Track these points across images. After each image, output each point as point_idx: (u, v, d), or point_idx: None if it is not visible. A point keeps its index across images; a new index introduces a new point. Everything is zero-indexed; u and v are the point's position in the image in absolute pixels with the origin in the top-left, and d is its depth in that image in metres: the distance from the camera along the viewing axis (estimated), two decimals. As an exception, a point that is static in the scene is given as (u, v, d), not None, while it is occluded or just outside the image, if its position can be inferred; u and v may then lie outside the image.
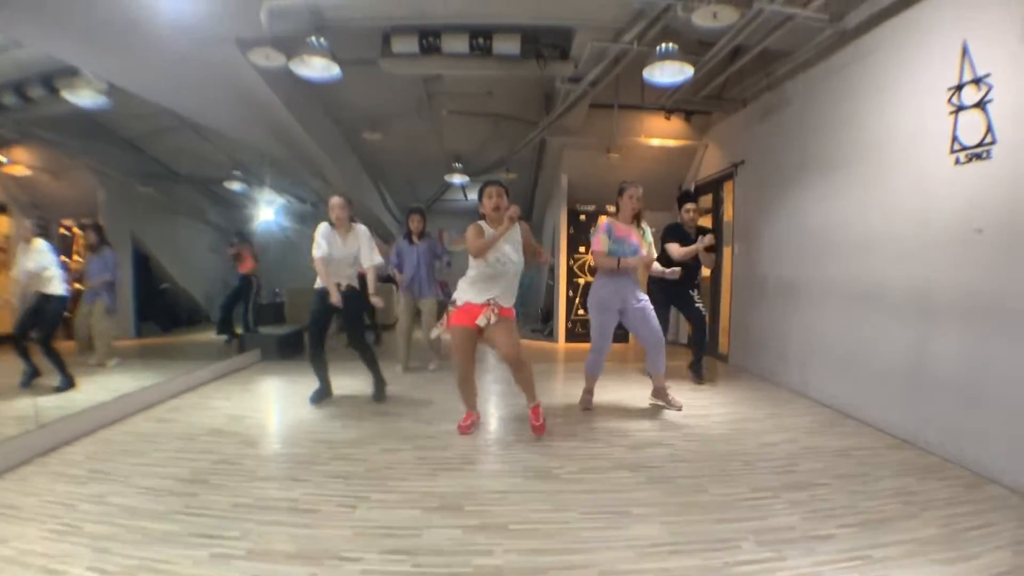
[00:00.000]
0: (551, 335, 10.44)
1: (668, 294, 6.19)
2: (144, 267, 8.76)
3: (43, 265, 5.27)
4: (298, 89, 7.62)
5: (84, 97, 5.69)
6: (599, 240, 5.05)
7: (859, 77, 5.25)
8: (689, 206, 6.41)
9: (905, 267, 4.62)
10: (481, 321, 4.18)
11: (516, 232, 4.30)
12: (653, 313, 5.19)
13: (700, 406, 5.44)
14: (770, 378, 6.67)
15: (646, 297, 5.20)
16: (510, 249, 4.24)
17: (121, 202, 7.52)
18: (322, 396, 5.55)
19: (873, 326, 4.97)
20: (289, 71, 5.85)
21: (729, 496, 3.33)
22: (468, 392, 4.57)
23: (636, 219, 5.15)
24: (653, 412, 5.19)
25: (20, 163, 6.17)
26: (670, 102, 7.95)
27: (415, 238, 6.91)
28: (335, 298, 5.10)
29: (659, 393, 5.36)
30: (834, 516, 3.09)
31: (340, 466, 3.75)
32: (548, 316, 11.13)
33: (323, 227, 5.23)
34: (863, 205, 5.18)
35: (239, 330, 8.72)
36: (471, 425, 4.58)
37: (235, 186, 10.39)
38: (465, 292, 4.32)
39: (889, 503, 3.29)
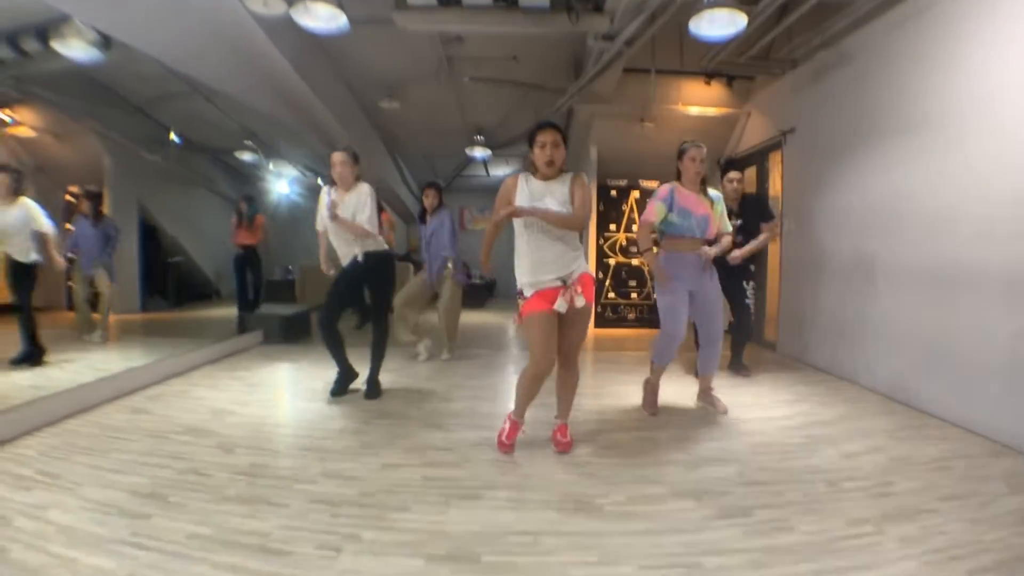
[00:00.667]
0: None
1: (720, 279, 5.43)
2: (152, 239, 8.66)
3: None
4: (305, 47, 7.04)
5: (75, 49, 5.30)
6: (652, 209, 4.23)
7: (933, 27, 4.62)
8: (733, 175, 5.73)
9: (999, 246, 3.94)
10: (560, 306, 3.33)
11: (562, 184, 3.40)
12: (721, 304, 4.49)
13: (760, 406, 4.72)
14: (828, 369, 5.98)
15: (717, 283, 4.49)
16: (553, 202, 3.33)
17: (128, 170, 7.36)
18: (344, 384, 4.85)
19: (960, 314, 4.29)
20: (293, 24, 5.28)
21: (822, 534, 2.57)
22: (531, 394, 3.59)
23: (702, 185, 4.33)
24: (705, 416, 4.43)
25: (24, 124, 6.04)
26: (712, 64, 7.14)
27: (428, 216, 6.29)
28: (325, 267, 4.86)
29: (704, 395, 4.64)
30: (959, 557, 2.37)
31: (328, 487, 3.02)
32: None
33: (324, 192, 4.70)
34: (941, 175, 4.52)
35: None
36: (513, 442, 3.66)
37: (246, 156, 10.12)
38: (526, 276, 3.46)
39: (1019, 534, 2.58)
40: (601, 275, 9.16)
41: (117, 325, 7.14)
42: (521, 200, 3.37)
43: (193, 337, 7.08)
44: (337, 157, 4.60)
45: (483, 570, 2.29)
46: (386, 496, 2.92)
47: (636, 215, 8.97)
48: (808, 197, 6.49)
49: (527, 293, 3.44)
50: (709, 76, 7.98)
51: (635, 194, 9.07)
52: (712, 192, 4.38)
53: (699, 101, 8.33)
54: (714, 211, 4.30)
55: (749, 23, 5.31)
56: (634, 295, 9.17)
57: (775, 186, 7.50)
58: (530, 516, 2.74)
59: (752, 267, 5.87)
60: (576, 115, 8.99)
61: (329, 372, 4.97)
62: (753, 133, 8.06)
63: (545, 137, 3.33)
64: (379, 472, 3.24)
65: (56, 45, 5.14)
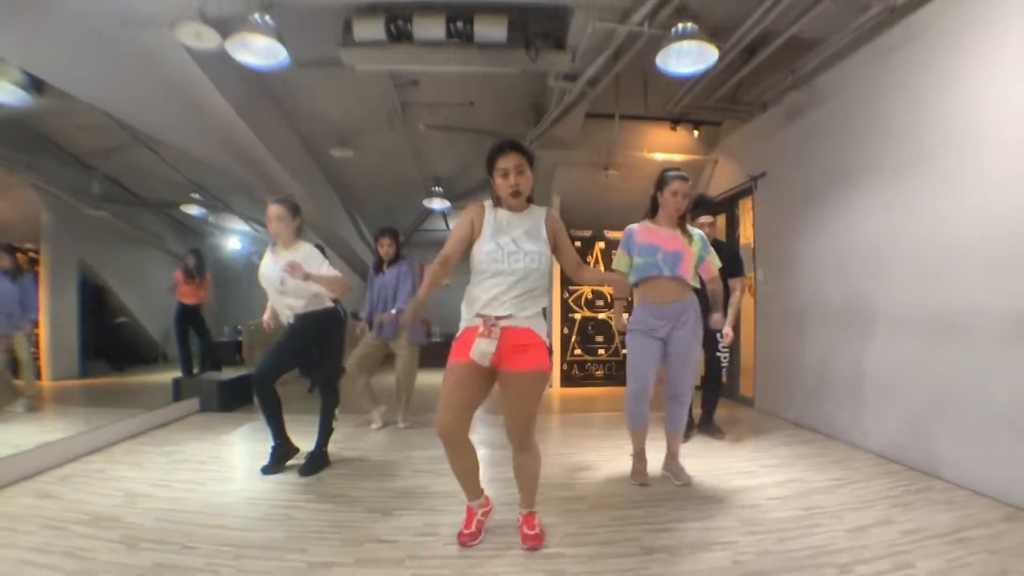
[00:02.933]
0: (544, 379, 9.31)
1: None
2: (97, 299, 8.30)
3: None
4: (251, 92, 6.69)
5: (1, 91, 5.03)
6: (616, 258, 3.95)
7: (913, 61, 4.48)
8: (704, 219, 5.14)
9: (1002, 284, 3.66)
10: (475, 353, 2.73)
11: (536, 217, 2.95)
12: (694, 349, 3.98)
13: (745, 473, 4.26)
14: (813, 427, 5.60)
15: (698, 325, 3.96)
16: (523, 236, 2.86)
17: (68, 226, 7.04)
18: (279, 459, 4.31)
19: (959, 361, 3.99)
20: (234, 64, 4.93)
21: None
22: (456, 468, 2.98)
23: (681, 221, 3.93)
24: (689, 489, 3.93)
25: None
26: (678, 108, 6.99)
27: (384, 266, 5.75)
28: (266, 323, 4.52)
29: (669, 461, 4.15)
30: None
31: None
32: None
33: (268, 250, 4.30)
34: (932, 214, 4.28)
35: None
36: (476, 532, 3.06)
37: (193, 210, 9.76)
38: (464, 310, 2.96)
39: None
40: (566, 331, 8.70)
41: (52, 392, 6.67)
42: (487, 232, 2.87)
43: (131, 405, 6.44)
44: (272, 211, 4.11)
45: None
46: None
47: (602, 266, 8.60)
48: (782, 243, 6.21)
49: (459, 333, 2.95)
50: (675, 121, 7.80)
51: (600, 245, 8.70)
52: (694, 230, 3.98)
53: (665, 148, 8.13)
54: (693, 247, 3.87)
55: (725, 53, 5.20)
56: (601, 351, 8.72)
57: (746, 234, 7.22)
58: None
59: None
60: (538, 162, 8.59)
61: (265, 446, 4.41)
62: (721, 180, 7.82)
63: (507, 162, 2.82)
64: (304, 574, 2.68)
65: None
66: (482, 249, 2.84)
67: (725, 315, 4.58)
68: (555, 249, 2.97)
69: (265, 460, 4.30)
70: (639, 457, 4.11)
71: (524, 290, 2.82)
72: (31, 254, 6.39)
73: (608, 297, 8.31)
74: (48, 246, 6.62)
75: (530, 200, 2.98)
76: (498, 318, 2.77)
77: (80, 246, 7.50)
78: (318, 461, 4.35)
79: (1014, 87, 3.60)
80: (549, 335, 9.21)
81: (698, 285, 3.99)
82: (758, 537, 3.10)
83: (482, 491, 3.10)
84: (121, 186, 7.89)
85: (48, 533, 3.10)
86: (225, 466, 4.52)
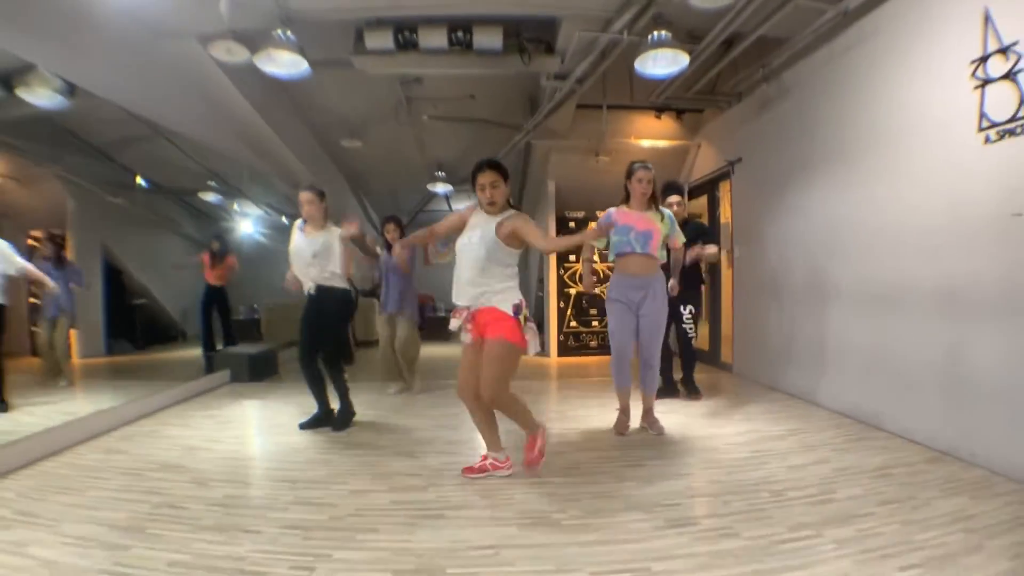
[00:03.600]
0: (542, 349, 9.91)
1: None
2: (116, 281, 8.62)
3: None
4: (268, 90, 7.24)
5: (41, 96, 5.40)
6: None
7: (865, 60, 4.94)
8: (672, 198, 5.67)
9: (933, 262, 4.23)
10: (463, 336, 3.63)
11: (495, 220, 3.55)
12: (661, 322, 4.62)
13: (713, 424, 4.94)
14: (781, 388, 6.23)
15: (664, 299, 4.60)
16: (475, 237, 3.53)
17: (92, 213, 7.34)
18: (318, 422, 4.93)
19: (898, 329, 4.57)
20: (255, 69, 5.42)
21: (764, 539, 2.77)
22: (479, 423, 3.75)
23: (652, 203, 4.56)
24: (662, 438, 4.60)
25: None
26: (661, 99, 7.53)
27: (395, 247, 6.32)
28: (289, 283, 4.85)
29: (645, 415, 4.80)
30: (890, 556, 2.58)
31: (300, 513, 3.16)
32: (539, 329, 10.55)
33: (297, 223, 4.88)
34: (876, 198, 4.83)
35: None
36: (479, 470, 3.76)
37: (210, 197, 10.18)
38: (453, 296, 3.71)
39: (948, 533, 2.80)
40: (562, 304, 9.36)
41: (82, 369, 7.17)
42: (467, 228, 3.64)
43: (160, 379, 7.11)
44: (304, 196, 4.74)
45: (448, 582, 2.45)
46: (355, 519, 3.07)
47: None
48: (756, 223, 6.78)
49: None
50: (659, 110, 8.31)
51: (592, 225, 9.17)
52: (665, 211, 4.62)
53: (651, 134, 8.65)
54: (663, 226, 4.51)
55: (693, 59, 5.65)
56: (595, 323, 9.37)
57: (725, 213, 7.79)
58: (491, 532, 2.92)
59: (693, 291, 5.90)
60: (533, 150, 9.28)
61: (297, 408, 5.09)
62: (704, 163, 8.36)
63: (484, 179, 3.53)
64: (348, 498, 3.38)
65: (22, 93, 5.23)
66: (459, 240, 3.60)
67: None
68: (522, 240, 3.54)
69: (299, 420, 4.98)
70: (623, 412, 4.75)
71: (475, 273, 3.48)
72: (58, 240, 6.52)
73: (600, 274, 8.92)
74: (74, 232, 6.82)
75: (513, 204, 3.68)
76: (465, 307, 3.57)
77: (102, 232, 7.86)
78: (345, 416, 4.97)
79: (937, 92, 4.15)
80: (540, 309, 9.82)
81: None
82: (712, 471, 3.80)
83: (502, 448, 3.79)
84: (140, 176, 8.26)
85: (126, 478, 3.74)
86: (265, 425, 5.21)
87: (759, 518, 3.02)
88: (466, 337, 3.60)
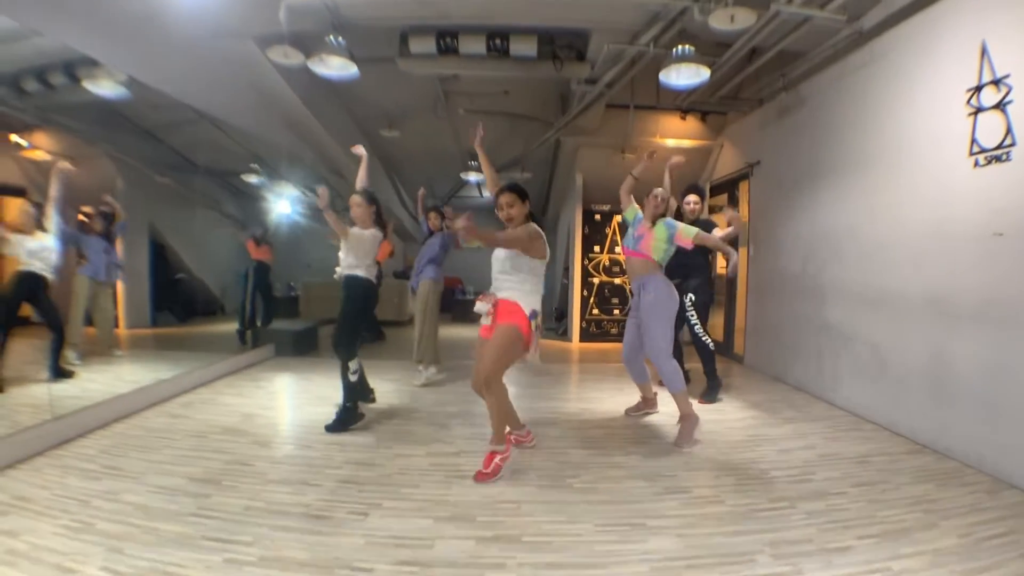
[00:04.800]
0: (565, 334, 10.44)
1: None
2: (160, 256, 8.81)
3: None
4: (316, 86, 7.63)
5: (105, 88, 5.73)
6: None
7: (875, 78, 5.22)
8: (692, 197, 5.80)
9: (922, 272, 4.58)
10: (479, 307, 3.87)
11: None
12: (653, 318, 4.64)
13: (715, 409, 5.41)
14: (786, 380, 6.62)
15: (654, 295, 4.66)
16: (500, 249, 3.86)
17: (139, 191, 7.49)
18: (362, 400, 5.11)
19: (891, 330, 4.94)
20: (307, 68, 5.84)
21: (745, 507, 3.28)
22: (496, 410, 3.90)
23: (653, 221, 4.80)
24: (668, 422, 4.97)
25: (40, 148, 6.12)
26: (686, 103, 7.93)
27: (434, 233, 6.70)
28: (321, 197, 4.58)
29: (643, 402, 5.26)
30: (852, 527, 3.05)
31: (352, 471, 3.73)
32: (562, 315, 11.12)
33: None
34: (874, 209, 5.19)
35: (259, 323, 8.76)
36: (524, 438, 4.30)
37: (252, 179, 10.30)
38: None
39: (909, 512, 3.24)
40: (585, 292, 9.78)
41: (129, 339, 7.51)
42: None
43: (204, 351, 7.51)
44: (354, 200, 4.85)
45: (478, 527, 3.01)
46: (400, 476, 3.67)
47: (619, 238, 9.58)
48: (770, 224, 7.13)
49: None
50: (684, 112, 8.63)
51: (617, 218, 9.61)
52: (668, 220, 4.78)
53: (676, 134, 8.95)
54: (654, 233, 4.69)
55: (715, 70, 6.00)
56: (616, 311, 9.80)
57: (743, 213, 8.05)
58: (514, 490, 3.51)
59: (693, 286, 5.76)
60: (563, 146, 9.69)
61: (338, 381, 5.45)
62: (726, 163, 8.68)
63: (502, 200, 3.86)
64: (392, 460, 3.96)
65: (88, 85, 5.59)
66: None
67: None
68: (538, 248, 3.83)
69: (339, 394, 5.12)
70: (643, 400, 5.20)
71: (498, 273, 3.84)
72: (108, 216, 6.67)
73: (623, 264, 9.29)
74: (123, 209, 6.85)
75: (535, 217, 3.98)
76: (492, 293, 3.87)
77: (149, 209, 7.99)
78: (347, 414, 4.72)
79: (936, 115, 4.47)
80: (565, 297, 10.21)
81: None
82: (709, 451, 4.31)
83: (522, 424, 4.30)
84: (183, 157, 8.50)
85: (193, 440, 4.28)
86: (313, 396, 5.70)
87: (744, 491, 3.53)
88: (487, 320, 3.81)
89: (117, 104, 6.31)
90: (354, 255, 4.80)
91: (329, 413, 4.74)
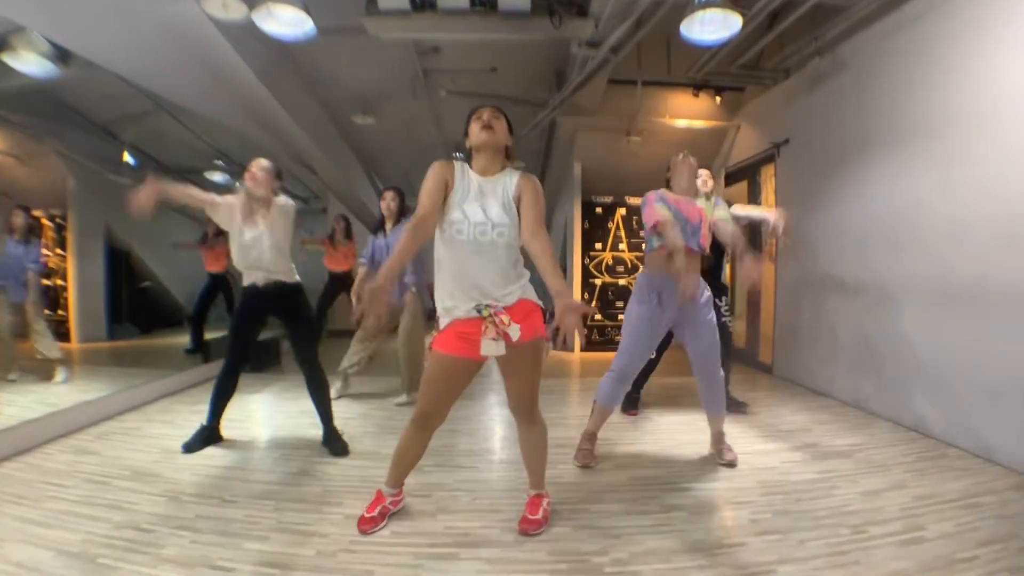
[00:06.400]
0: (564, 344, 9.39)
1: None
2: (124, 263, 8.32)
3: None
4: (273, 59, 6.76)
5: (29, 62, 5.00)
6: (654, 210, 3.58)
7: (936, 30, 4.44)
8: (700, 171, 4.57)
9: (1002, 260, 3.75)
10: (493, 349, 2.49)
11: (506, 184, 2.57)
12: (713, 324, 3.71)
13: (763, 437, 4.34)
14: (830, 394, 5.67)
15: (708, 297, 3.73)
16: (495, 207, 2.53)
17: (94, 192, 7.00)
18: (204, 440, 4.02)
19: (977, 332, 4.01)
20: (258, 33, 4.96)
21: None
22: (404, 453, 2.85)
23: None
24: (704, 452, 3.99)
25: None
26: (700, 74, 6.97)
27: (388, 224, 5.36)
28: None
29: (715, 440, 3.90)
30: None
31: (281, 544, 2.60)
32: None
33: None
34: (948, 184, 4.29)
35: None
36: (379, 517, 2.84)
37: (216, 177, 9.55)
38: (444, 297, 2.62)
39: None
40: (586, 295, 8.82)
41: (81, 354, 6.76)
42: (457, 194, 2.53)
43: (160, 366, 6.65)
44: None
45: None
46: (348, 557, 2.50)
47: (623, 233, 8.74)
48: (804, 211, 6.17)
49: (442, 322, 2.64)
50: (697, 87, 7.76)
51: (621, 211, 8.78)
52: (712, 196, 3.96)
53: (687, 114, 8.08)
54: (710, 212, 3.77)
55: (752, 18, 5.14)
56: (621, 316, 8.78)
57: (768, 201, 7.20)
58: None
59: (724, 283, 5.20)
60: (559, 129, 8.72)
61: (296, 404, 4.52)
62: (743, 147, 7.82)
63: (482, 113, 2.61)
64: (341, 526, 2.81)
65: (7, 58, 4.85)
66: (448, 217, 2.53)
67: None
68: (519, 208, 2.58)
69: (296, 418, 4.43)
70: (591, 439, 3.95)
71: (509, 264, 2.57)
72: (58, 220, 6.43)
73: (627, 262, 8.42)
74: (75, 212, 6.62)
75: (510, 162, 2.71)
76: (495, 311, 2.52)
77: (105, 212, 7.44)
78: (338, 438, 4.02)
79: (1015, 63, 3.66)
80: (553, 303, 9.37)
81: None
82: (775, 498, 3.21)
83: (402, 485, 2.98)
84: (145, 154, 7.82)
85: (89, 487, 3.24)
86: (257, 424, 4.66)
87: (844, 565, 2.46)
88: (499, 348, 2.52)
89: (62, 94, 5.90)
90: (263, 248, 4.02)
91: (275, 447, 3.90)
